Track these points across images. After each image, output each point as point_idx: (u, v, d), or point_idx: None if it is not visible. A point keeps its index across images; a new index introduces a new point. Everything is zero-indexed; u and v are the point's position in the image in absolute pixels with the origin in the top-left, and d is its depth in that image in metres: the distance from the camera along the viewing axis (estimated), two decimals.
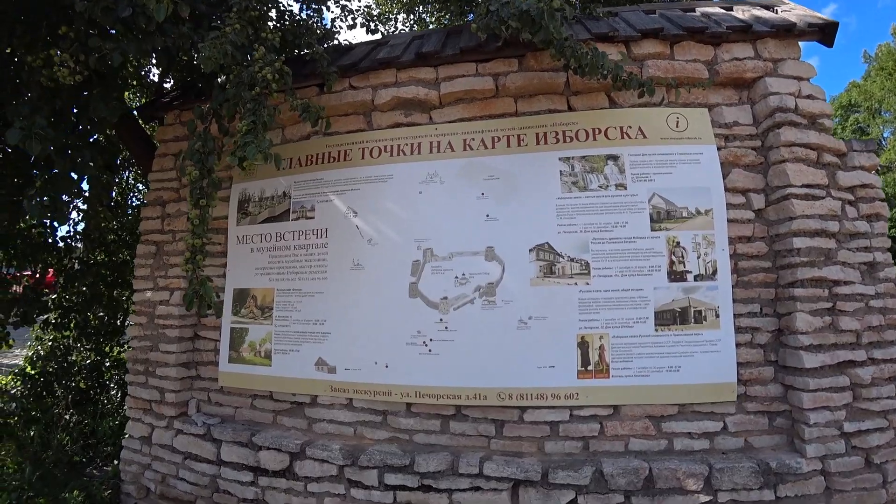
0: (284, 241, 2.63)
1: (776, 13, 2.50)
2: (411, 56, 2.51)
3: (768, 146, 2.28)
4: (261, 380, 2.60)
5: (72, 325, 3.97)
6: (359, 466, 2.24)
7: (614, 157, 2.36)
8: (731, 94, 2.39)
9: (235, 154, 1.79)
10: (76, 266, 3.98)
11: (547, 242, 2.31)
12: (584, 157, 2.37)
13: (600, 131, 2.39)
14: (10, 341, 4.12)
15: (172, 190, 2.94)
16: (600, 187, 2.34)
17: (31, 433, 3.59)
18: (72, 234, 4.03)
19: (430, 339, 2.33)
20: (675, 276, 2.24)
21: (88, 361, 4.28)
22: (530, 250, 2.31)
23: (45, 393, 3.79)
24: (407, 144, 2.50)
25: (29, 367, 4.04)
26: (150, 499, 2.83)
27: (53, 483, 3.15)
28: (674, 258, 2.26)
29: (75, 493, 2.92)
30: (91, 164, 2.29)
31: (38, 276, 3.53)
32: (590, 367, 2.23)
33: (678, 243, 2.27)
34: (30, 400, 3.74)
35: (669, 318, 2.23)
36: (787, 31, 2.33)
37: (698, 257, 2.26)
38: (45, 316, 3.83)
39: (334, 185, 2.56)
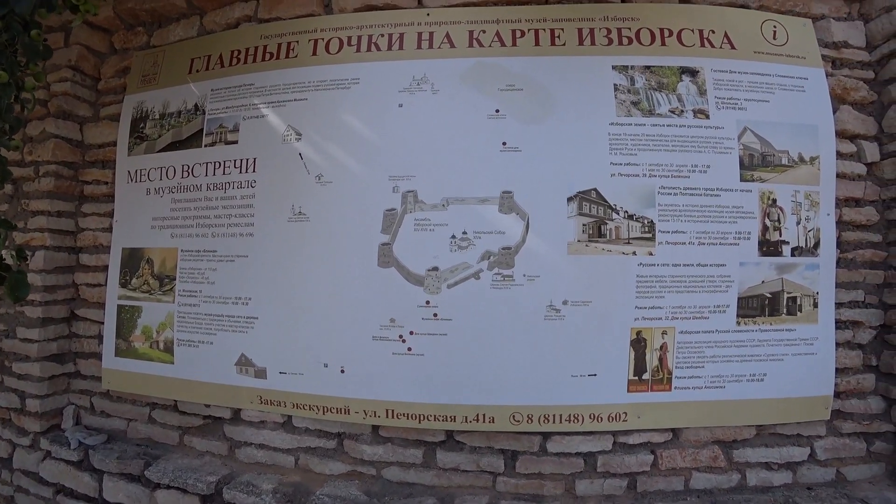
0: (194, 177, 1.74)
1: None
2: None
3: (884, 79, 1.66)
4: (160, 383, 1.77)
5: None
6: None
7: (692, 72, 1.60)
8: (839, 3, 1.72)
9: None
10: None
11: (594, 189, 1.53)
12: (648, 67, 1.60)
13: (671, 33, 1.63)
14: None
15: (38, 102, 1.98)
16: (672, 112, 1.58)
17: None
18: None
19: (411, 333, 1.53)
20: (768, 247, 1.57)
21: None
22: (570, 199, 1.52)
23: None
24: (383, 36, 1.64)
25: None
26: None
27: None
28: (767, 222, 1.57)
29: None
30: None
31: None
32: (645, 376, 1.53)
33: (774, 201, 1.58)
34: None
35: (756, 306, 1.56)
36: None
37: (798, 223, 1.59)
38: None
39: (269, 92, 1.68)
